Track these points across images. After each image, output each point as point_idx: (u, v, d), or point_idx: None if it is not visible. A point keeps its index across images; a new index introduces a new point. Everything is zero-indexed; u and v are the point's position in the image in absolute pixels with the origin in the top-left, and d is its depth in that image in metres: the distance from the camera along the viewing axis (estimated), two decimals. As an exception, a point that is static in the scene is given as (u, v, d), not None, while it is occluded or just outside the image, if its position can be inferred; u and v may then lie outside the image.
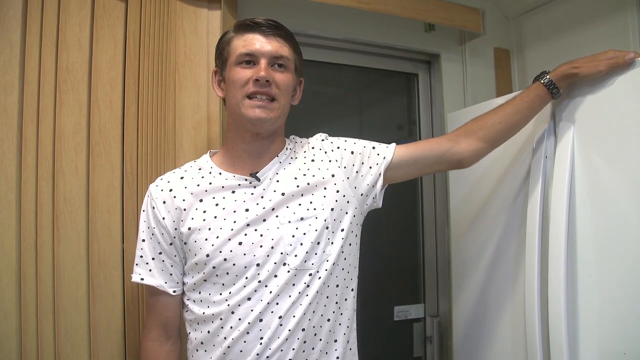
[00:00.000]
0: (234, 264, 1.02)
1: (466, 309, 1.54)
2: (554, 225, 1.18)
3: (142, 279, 1.09)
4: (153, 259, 1.09)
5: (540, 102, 1.20)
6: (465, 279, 1.54)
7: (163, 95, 1.38)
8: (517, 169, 1.35)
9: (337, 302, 1.08)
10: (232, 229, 1.04)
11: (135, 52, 1.36)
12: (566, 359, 1.13)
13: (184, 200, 1.08)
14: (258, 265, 1.02)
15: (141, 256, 1.10)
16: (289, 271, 1.03)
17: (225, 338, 1.02)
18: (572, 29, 1.80)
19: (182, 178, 1.12)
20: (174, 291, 1.09)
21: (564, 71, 1.16)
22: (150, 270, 1.08)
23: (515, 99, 1.20)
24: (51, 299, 1.25)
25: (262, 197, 1.07)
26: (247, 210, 1.05)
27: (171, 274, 1.09)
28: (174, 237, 1.08)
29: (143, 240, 1.10)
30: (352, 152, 1.17)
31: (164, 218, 1.08)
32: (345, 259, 1.10)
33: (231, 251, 1.03)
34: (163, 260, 1.09)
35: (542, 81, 1.18)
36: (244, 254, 1.02)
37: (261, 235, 1.04)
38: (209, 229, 1.04)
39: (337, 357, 1.08)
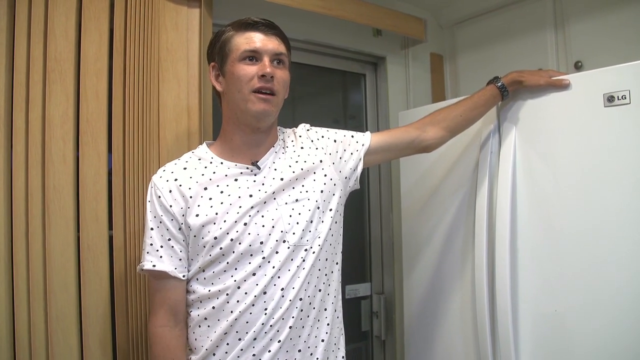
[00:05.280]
0: (240, 243, 1.12)
1: (417, 285, 1.75)
2: (501, 209, 1.42)
3: (154, 266, 1.13)
4: (162, 246, 1.14)
5: (493, 102, 1.43)
6: (417, 258, 1.75)
7: (147, 88, 1.44)
8: (465, 161, 1.58)
9: (326, 275, 1.22)
10: (238, 213, 1.13)
11: (121, 45, 1.41)
12: (510, 321, 1.38)
13: (190, 188, 1.15)
14: (261, 243, 1.13)
15: (151, 244, 1.14)
16: (288, 247, 1.15)
17: (231, 311, 1.12)
18: (499, 40, 2.08)
19: (185, 168, 1.19)
20: (183, 275, 1.15)
21: (513, 78, 1.40)
22: (161, 257, 1.14)
23: (473, 97, 1.42)
24: (42, 285, 1.28)
25: (262, 183, 1.18)
26: (250, 196, 1.16)
27: (180, 259, 1.15)
28: (182, 224, 1.15)
29: (152, 229, 1.15)
30: (335, 141, 1.31)
31: (171, 206, 1.14)
32: (332, 235, 1.24)
33: (237, 232, 1.12)
34: (172, 247, 1.15)
35: (497, 84, 1.41)
36: (249, 234, 1.13)
37: (262, 216, 1.15)
38: (216, 213, 1.13)
39: (328, 324, 1.22)
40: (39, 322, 1.27)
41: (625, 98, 1.21)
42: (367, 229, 2.22)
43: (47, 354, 1.27)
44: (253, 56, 1.16)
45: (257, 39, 1.16)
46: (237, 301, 1.12)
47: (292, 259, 1.15)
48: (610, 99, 1.24)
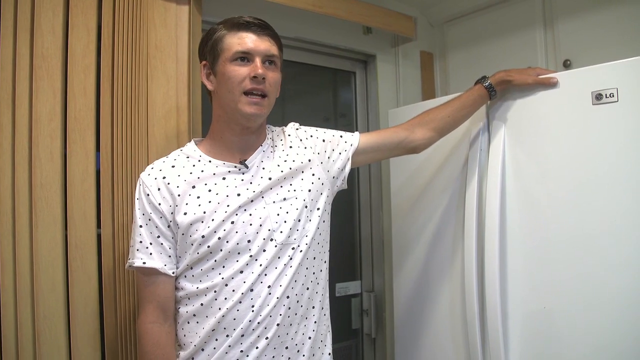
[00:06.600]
0: (227, 242, 1.13)
1: (407, 282, 1.76)
2: (490, 207, 1.42)
3: (144, 263, 1.13)
4: (151, 243, 1.15)
5: (481, 102, 1.44)
6: (407, 256, 1.76)
7: (136, 85, 1.42)
8: (455, 159, 1.59)
9: (313, 273, 1.23)
10: (225, 212, 1.14)
11: (109, 42, 1.39)
12: (499, 318, 1.38)
13: (178, 187, 1.15)
14: (249, 241, 1.14)
15: (141, 241, 1.15)
16: (275, 246, 1.15)
17: (219, 308, 1.12)
18: (489, 38, 2.09)
19: (173, 167, 1.19)
20: (173, 272, 1.16)
21: (501, 77, 1.41)
22: (150, 254, 1.14)
23: (461, 97, 1.42)
24: (29, 283, 1.26)
25: (250, 182, 1.18)
26: (238, 195, 1.16)
27: (169, 256, 1.16)
28: (170, 221, 1.15)
29: (140, 226, 1.15)
30: (324, 140, 1.31)
31: (160, 204, 1.14)
32: (320, 234, 1.24)
33: (225, 230, 1.13)
34: (162, 244, 1.15)
35: (484, 84, 1.42)
36: (236, 232, 1.13)
37: (250, 215, 1.15)
38: (204, 212, 1.13)
39: (315, 322, 1.22)
40: (26, 321, 1.25)
41: (613, 96, 1.22)
42: (357, 227, 2.22)
43: (34, 354, 1.25)
44: (245, 57, 1.15)
45: (249, 40, 1.16)
46: (225, 298, 1.13)
47: (279, 257, 1.16)
48: (598, 97, 1.25)
